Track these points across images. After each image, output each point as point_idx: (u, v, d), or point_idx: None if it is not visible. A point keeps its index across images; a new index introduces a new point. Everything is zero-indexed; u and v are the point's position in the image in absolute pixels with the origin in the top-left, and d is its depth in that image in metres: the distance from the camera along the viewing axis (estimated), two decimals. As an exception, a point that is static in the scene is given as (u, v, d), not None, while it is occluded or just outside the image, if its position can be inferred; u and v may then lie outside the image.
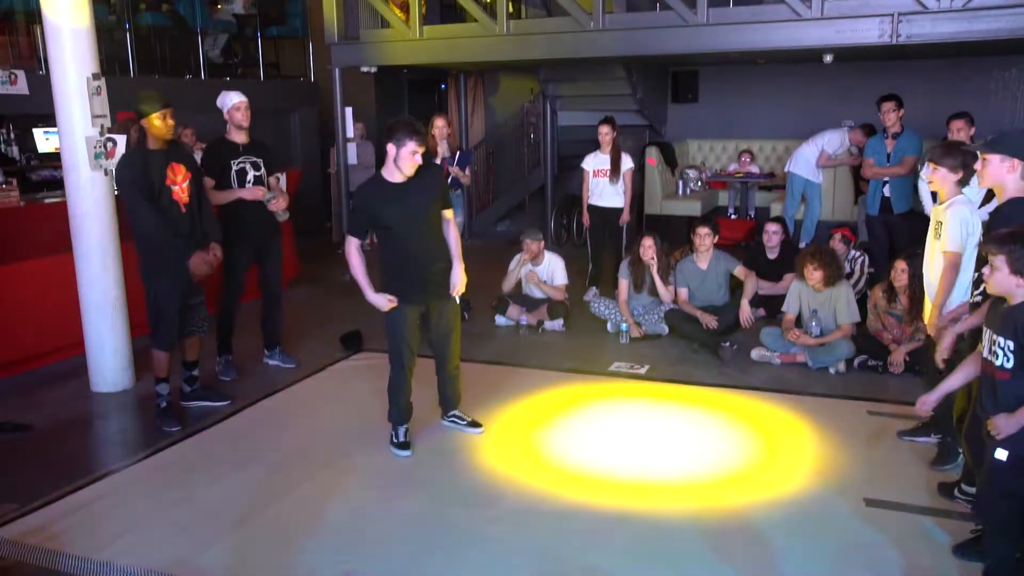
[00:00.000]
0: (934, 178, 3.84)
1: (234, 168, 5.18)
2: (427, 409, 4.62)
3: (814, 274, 5.40)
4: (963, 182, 3.82)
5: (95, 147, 4.92)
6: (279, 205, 5.27)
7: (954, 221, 3.69)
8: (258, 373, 5.55)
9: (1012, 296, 2.73)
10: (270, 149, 5.50)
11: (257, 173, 5.26)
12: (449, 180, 7.08)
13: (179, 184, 4.54)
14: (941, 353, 3.48)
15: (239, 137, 5.23)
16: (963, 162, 3.76)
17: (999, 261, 2.71)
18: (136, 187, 4.39)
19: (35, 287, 5.48)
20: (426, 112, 9.92)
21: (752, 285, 6.07)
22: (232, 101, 5.18)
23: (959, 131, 5.71)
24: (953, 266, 3.68)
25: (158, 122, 4.41)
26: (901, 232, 6.66)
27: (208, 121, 8.87)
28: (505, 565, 3.21)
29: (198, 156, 7.82)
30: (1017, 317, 2.70)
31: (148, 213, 4.41)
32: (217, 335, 5.42)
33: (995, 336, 2.76)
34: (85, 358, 5.19)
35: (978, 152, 3.39)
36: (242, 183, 5.22)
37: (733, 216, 9.92)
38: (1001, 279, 2.72)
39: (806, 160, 8.49)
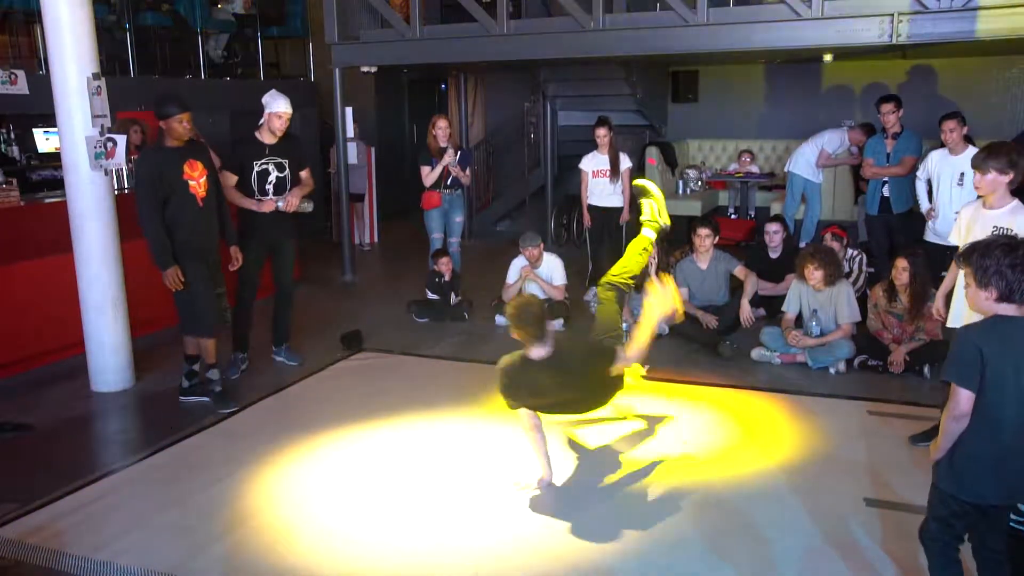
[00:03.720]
0: (982, 184, 3.67)
1: (256, 168, 5.21)
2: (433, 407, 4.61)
3: (814, 274, 5.40)
4: (1014, 182, 3.63)
5: (95, 147, 4.91)
6: (291, 205, 5.28)
7: None
8: (259, 373, 5.54)
9: (985, 315, 2.51)
10: (299, 143, 5.56)
11: (281, 174, 5.29)
12: (449, 180, 7.10)
13: (196, 179, 4.72)
14: None
15: (267, 138, 5.24)
16: (1011, 160, 3.60)
17: (968, 275, 2.51)
18: (149, 183, 4.58)
19: (35, 287, 5.47)
20: (426, 112, 9.94)
21: (752, 285, 6.07)
22: (276, 108, 5.17)
23: (951, 131, 5.72)
24: None
25: (176, 125, 4.61)
26: (901, 232, 6.67)
27: (208, 120, 8.91)
28: (502, 562, 3.21)
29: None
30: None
31: (152, 215, 4.59)
32: (233, 332, 5.45)
33: None
34: (85, 358, 5.19)
35: None
36: (263, 184, 5.25)
37: (733, 216, 9.92)
38: (972, 295, 2.51)
39: (806, 160, 8.48)
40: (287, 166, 5.31)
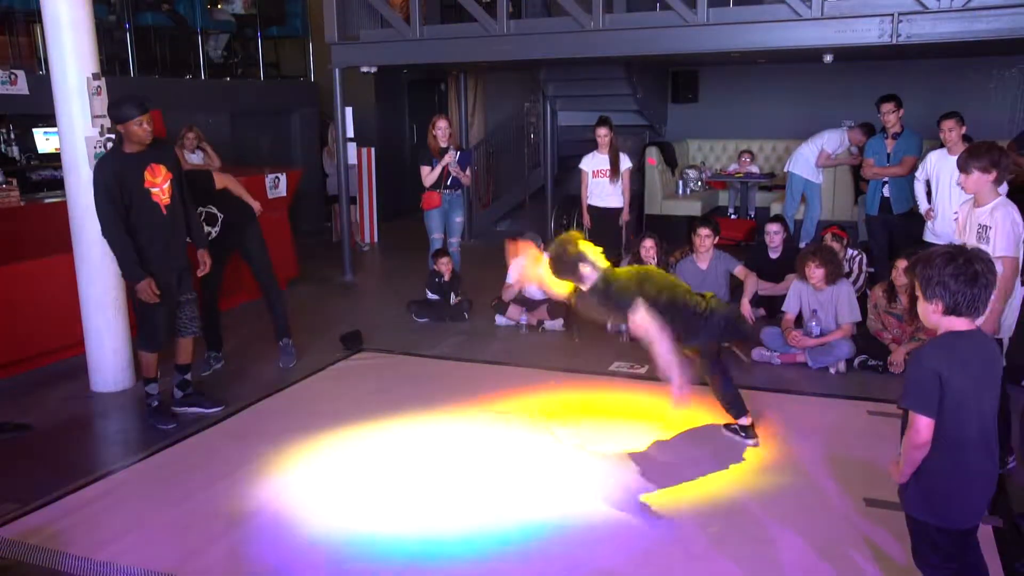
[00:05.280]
0: (967, 184, 3.72)
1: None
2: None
3: (815, 272, 5.40)
4: (999, 180, 3.68)
5: (95, 147, 4.91)
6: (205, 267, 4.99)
7: (1005, 223, 3.55)
8: (258, 373, 5.55)
9: (936, 329, 2.40)
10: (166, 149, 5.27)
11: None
12: (449, 180, 7.09)
13: (159, 186, 4.47)
14: None
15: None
16: (992, 160, 3.63)
17: (916, 288, 2.39)
18: (106, 194, 4.33)
19: (35, 287, 5.47)
20: (426, 112, 9.94)
21: (752, 285, 6.06)
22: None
23: (950, 130, 5.73)
24: (1014, 271, 3.51)
25: (136, 128, 4.31)
26: (901, 232, 6.66)
27: (208, 121, 8.92)
28: (500, 562, 3.21)
29: (198, 157, 7.86)
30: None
31: (116, 226, 4.36)
32: (204, 332, 5.41)
33: None
34: (85, 358, 5.19)
35: None
36: None
37: (733, 216, 9.92)
38: (921, 308, 2.40)
39: (806, 160, 8.49)
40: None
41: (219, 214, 5.33)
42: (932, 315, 2.37)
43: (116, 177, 4.33)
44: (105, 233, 4.43)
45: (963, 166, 3.73)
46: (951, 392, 2.29)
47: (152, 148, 4.46)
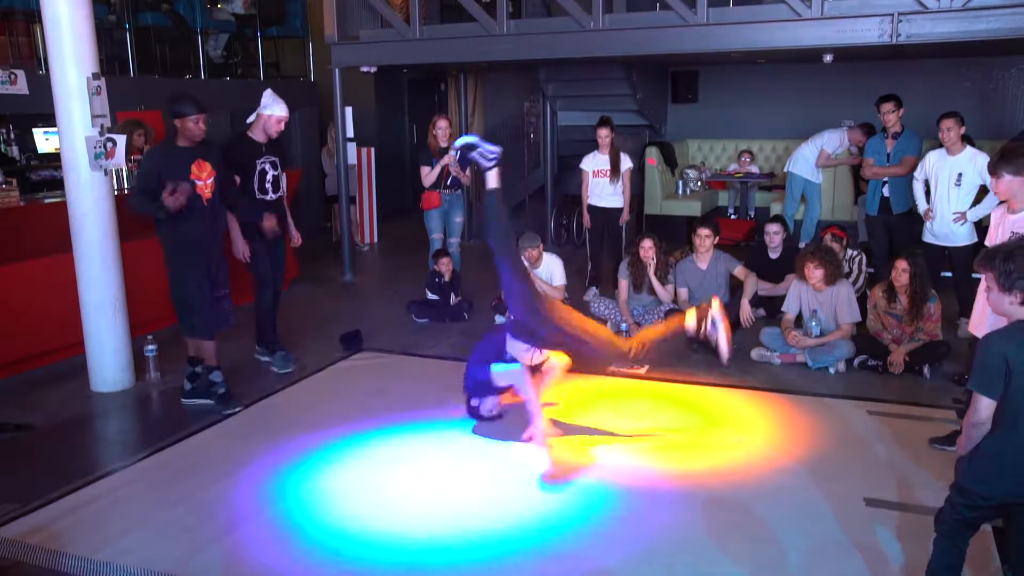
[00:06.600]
0: (998, 188, 3.70)
1: (257, 168, 5.31)
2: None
3: (815, 272, 5.40)
4: None
5: (95, 147, 4.92)
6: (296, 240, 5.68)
7: None
8: (258, 373, 5.55)
9: (1010, 318, 2.55)
10: (284, 143, 5.75)
11: (275, 172, 5.42)
12: (449, 180, 7.09)
13: (203, 180, 4.73)
14: None
15: (261, 137, 5.33)
16: None
17: (990, 279, 2.54)
18: (143, 178, 4.65)
19: (35, 287, 5.47)
20: (426, 112, 9.94)
21: (752, 285, 6.06)
22: (276, 114, 5.24)
23: (949, 130, 5.74)
24: None
25: (191, 125, 4.65)
26: (900, 232, 6.66)
27: (208, 120, 8.90)
28: (501, 562, 3.21)
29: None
30: None
31: (140, 200, 4.65)
32: (256, 328, 5.67)
33: None
34: (85, 358, 5.19)
35: None
36: (263, 182, 5.35)
37: (733, 216, 9.92)
38: (995, 298, 2.54)
39: (806, 160, 8.49)
40: (279, 164, 5.44)
41: (280, 170, 5.47)
42: (1009, 305, 2.50)
43: (158, 167, 4.64)
44: (131, 203, 4.72)
45: (993, 170, 3.69)
46: (1018, 376, 2.40)
47: (201, 145, 4.79)
